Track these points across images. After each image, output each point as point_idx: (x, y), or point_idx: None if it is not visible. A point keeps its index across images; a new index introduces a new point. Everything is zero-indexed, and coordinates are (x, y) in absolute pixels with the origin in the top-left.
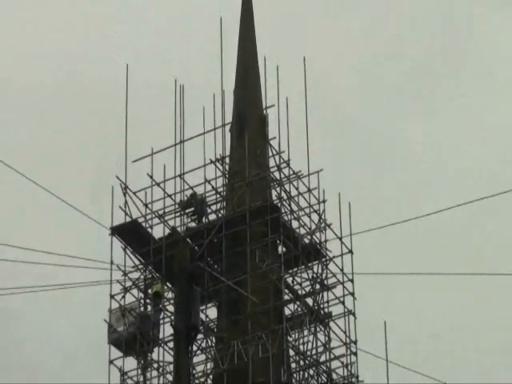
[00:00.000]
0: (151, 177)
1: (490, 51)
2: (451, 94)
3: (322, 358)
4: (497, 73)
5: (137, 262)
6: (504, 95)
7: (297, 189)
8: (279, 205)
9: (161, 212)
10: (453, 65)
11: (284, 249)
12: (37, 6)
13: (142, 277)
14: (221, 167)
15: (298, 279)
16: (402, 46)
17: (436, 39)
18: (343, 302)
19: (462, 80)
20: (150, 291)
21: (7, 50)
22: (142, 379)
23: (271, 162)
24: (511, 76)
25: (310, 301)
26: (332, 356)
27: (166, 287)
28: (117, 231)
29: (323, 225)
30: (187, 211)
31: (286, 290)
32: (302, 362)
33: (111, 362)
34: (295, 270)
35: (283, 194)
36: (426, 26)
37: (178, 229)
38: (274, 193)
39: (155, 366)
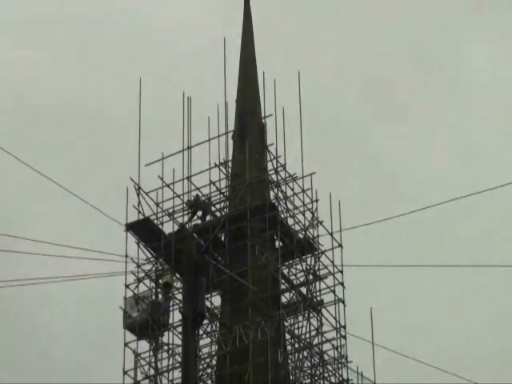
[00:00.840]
0: (162, 179)
1: (463, 69)
2: (425, 106)
3: (315, 341)
4: (468, 89)
5: (149, 255)
6: (474, 109)
7: (292, 190)
8: (276, 204)
9: (170, 210)
10: (429, 80)
11: (281, 243)
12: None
13: (153, 268)
14: (224, 170)
15: (294, 270)
16: (386, 63)
17: (415, 60)
18: (334, 291)
19: (434, 94)
20: (160, 281)
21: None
22: (153, 360)
23: (269, 166)
24: (482, 93)
25: (304, 290)
26: (324, 339)
27: (175, 278)
28: (131, 228)
29: (316, 222)
30: (191, 212)
31: (283, 280)
32: (296, 345)
33: (126, 344)
34: (291, 262)
35: (280, 195)
36: (407, 48)
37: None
38: (271, 193)
39: (165, 348)
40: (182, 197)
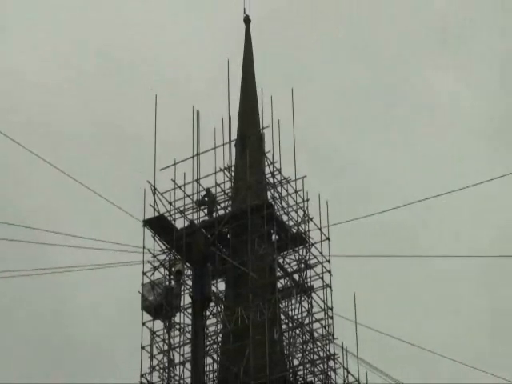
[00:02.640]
0: (174, 181)
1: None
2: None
3: (306, 321)
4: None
5: (163, 247)
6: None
7: (286, 191)
8: (273, 203)
9: (181, 208)
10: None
11: (276, 237)
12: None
13: (167, 258)
14: (228, 174)
15: (288, 260)
16: (368, 85)
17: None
18: (322, 278)
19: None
20: (173, 269)
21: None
22: (167, 337)
23: (266, 170)
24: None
25: (296, 277)
26: (313, 319)
27: (185, 266)
28: (148, 223)
29: (306, 218)
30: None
31: (278, 269)
32: (290, 324)
33: (143, 324)
34: (285, 253)
35: (276, 195)
36: (386, 73)
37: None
38: (268, 194)
39: (177, 327)
40: (191, 197)
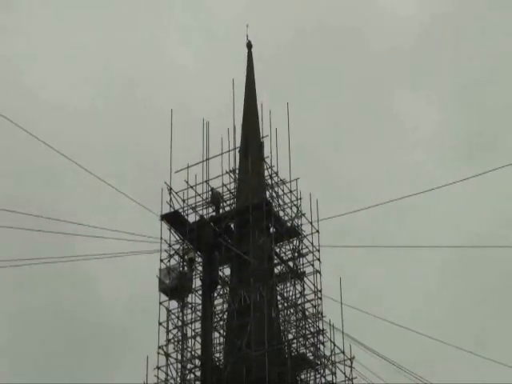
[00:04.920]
0: (187, 182)
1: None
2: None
3: (299, 301)
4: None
5: (177, 238)
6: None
7: (282, 190)
8: (271, 201)
9: (193, 205)
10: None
11: (274, 230)
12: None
13: (181, 247)
14: (233, 176)
15: (283, 249)
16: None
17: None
18: (313, 265)
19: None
20: (186, 257)
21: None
22: (180, 315)
23: (266, 173)
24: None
25: (291, 264)
26: (305, 300)
27: (196, 254)
28: (164, 218)
29: (299, 214)
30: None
31: (275, 257)
32: (285, 304)
33: (161, 303)
34: (281, 243)
35: (273, 194)
36: (366, 93)
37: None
38: (267, 193)
39: (189, 306)
40: (201, 195)
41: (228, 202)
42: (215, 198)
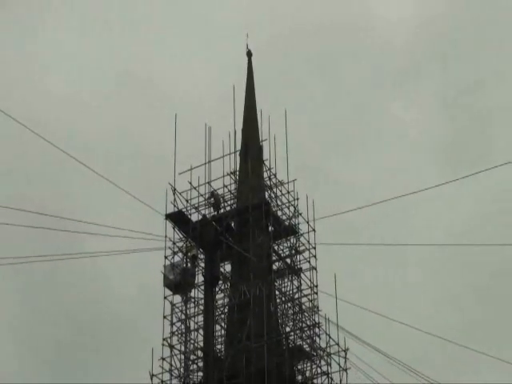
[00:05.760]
0: (190, 183)
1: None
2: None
3: (296, 296)
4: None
5: (181, 236)
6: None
7: (280, 191)
8: (269, 201)
9: (196, 205)
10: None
11: (272, 228)
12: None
13: (184, 245)
14: (233, 178)
15: (281, 247)
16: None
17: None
18: (309, 261)
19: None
20: (189, 254)
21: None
22: (184, 308)
23: (264, 175)
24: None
25: (288, 260)
26: (302, 295)
27: (199, 252)
28: (169, 217)
29: (296, 213)
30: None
31: (274, 254)
32: (283, 298)
33: (165, 298)
34: (279, 241)
35: (272, 195)
36: (357, 101)
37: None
38: (266, 194)
39: (192, 300)
40: (204, 196)
41: (229, 202)
42: (216, 199)
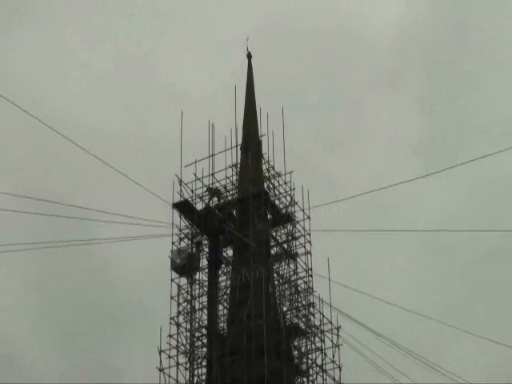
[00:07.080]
0: (195, 175)
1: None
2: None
3: (292, 278)
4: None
5: (187, 224)
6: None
7: (278, 182)
8: (268, 191)
9: (200, 195)
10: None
11: (271, 216)
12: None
13: (189, 232)
14: (235, 170)
15: (279, 233)
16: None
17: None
18: (305, 247)
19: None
20: (194, 240)
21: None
22: (189, 290)
23: (263, 167)
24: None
25: (285, 245)
26: (298, 277)
27: (203, 238)
28: (176, 206)
29: (293, 202)
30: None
31: (272, 240)
32: (280, 281)
33: (172, 280)
34: (277, 228)
35: (270, 185)
36: (348, 103)
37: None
38: (265, 184)
39: (197, 282)
40: (208, 186)
41: (231, 192)
42: (213, 193)
